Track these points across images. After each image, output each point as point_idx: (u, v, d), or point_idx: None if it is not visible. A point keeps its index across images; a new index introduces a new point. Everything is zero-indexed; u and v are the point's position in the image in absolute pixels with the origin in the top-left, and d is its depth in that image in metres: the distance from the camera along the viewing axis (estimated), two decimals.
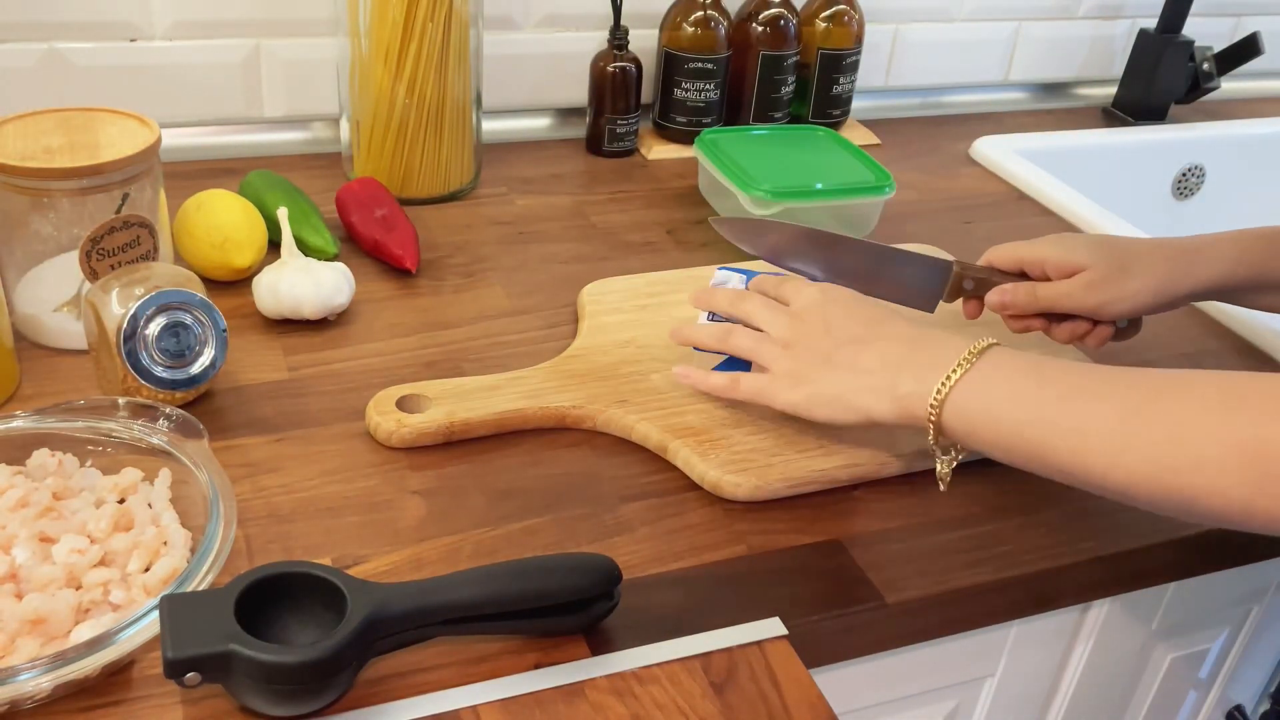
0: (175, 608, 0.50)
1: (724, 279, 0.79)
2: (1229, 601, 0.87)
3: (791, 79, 1.19)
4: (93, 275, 0.73)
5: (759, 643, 0.58)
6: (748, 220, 0.81)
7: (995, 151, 1.23)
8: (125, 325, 0.67)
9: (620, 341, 0.80)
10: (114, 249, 0.73)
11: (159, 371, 0.68)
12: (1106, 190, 1.22)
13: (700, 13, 1.12)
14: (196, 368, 0.70)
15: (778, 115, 1.20)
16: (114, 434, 0.63)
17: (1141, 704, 0.88)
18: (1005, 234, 0.84)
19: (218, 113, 1.06)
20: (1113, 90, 1.43)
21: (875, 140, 1.26)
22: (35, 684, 0.49)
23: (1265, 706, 0.97)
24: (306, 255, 0.84)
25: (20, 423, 0.62)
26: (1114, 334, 0.77)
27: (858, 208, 1.00)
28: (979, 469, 0.69)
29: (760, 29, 1.15)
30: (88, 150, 0.73)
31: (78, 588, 0.55)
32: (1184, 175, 1.38)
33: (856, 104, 1.29)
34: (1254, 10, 1.48)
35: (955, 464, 0.64)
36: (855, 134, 1.26)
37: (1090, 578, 0.69)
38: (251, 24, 1.04)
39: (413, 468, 0.69)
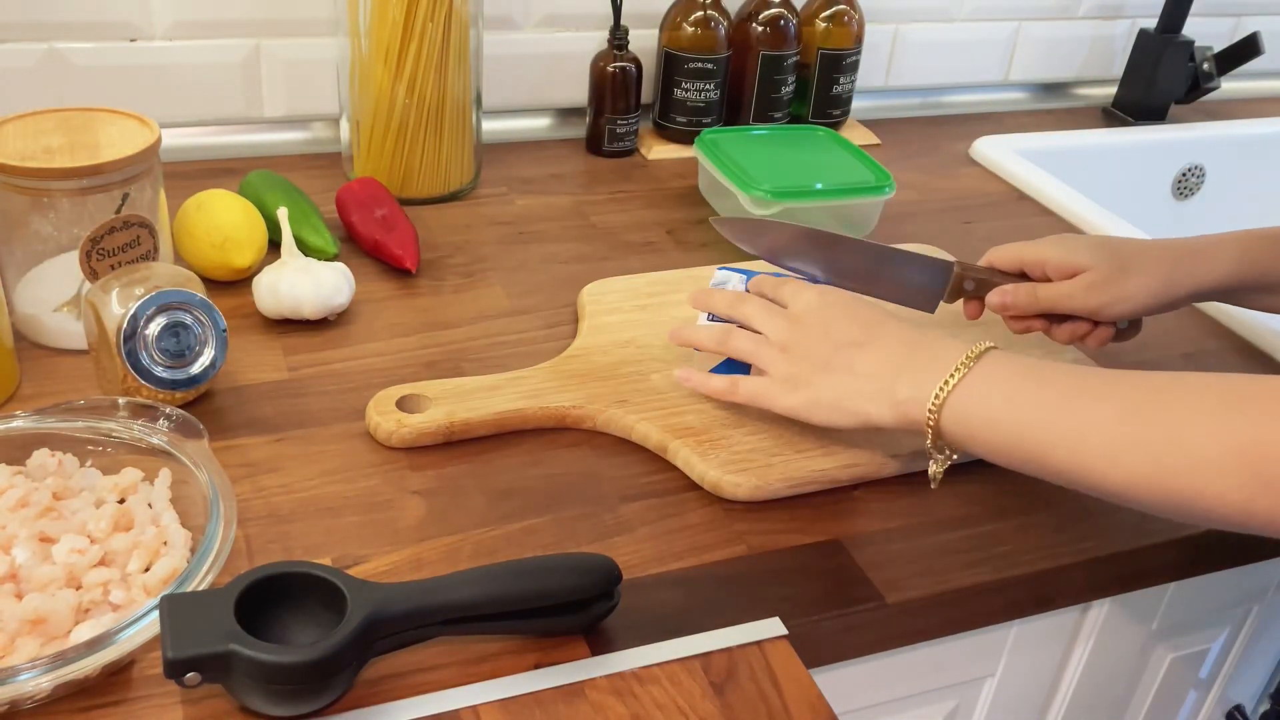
0: (175, 608, 0.50)
1: (724, 279, 0.79)
2: (1229, 601, 0.87)
3: (791, 79, 1.19)
4: (93, 275, 0.73)
5: (759, 643, 0.58)
6: (748, 220, 0.81)
7: (995, 151, 1.23)
8: (125, 325, 0.67)
9: (620, 341, 0.80)
10: (114, 249, 0.73)
11: (159, 371, 0.68)
12: (1106, 190, 1.22)
13: (700, 13, 1.12)
14: (196, 368, 0.70)
15: (778, 115, 1.20)
16: (114, 434, 0.63)
17: (1141, 704, 0.88)
18: (1005, 234, 0.84)
19: (218, 113, 1.07)
20: (1113, 90, 1.43)
21: (875, 140, 1.26)
22: (35, 684, 0.49)
23: (1265, 706, 0.97)
24: (306, 255, 0.84)
25: (20, 423, 0.62)
26: (1115, 335, 0.77)
27: (858, 208, 1.00)
28: (979, 469, 0.69)
29: (760, 29, 1.15)
30: (88, 150, 0.73)
31: (78, 588, 0.55)
32: (1184, 175, 1.38)
33: (856, 104, 1.29)
34: (1254, 10, 1.48)
35: (949, 464, 0.64)
36: (855, 134, 1.26)
37: (1090, 578, 0.69)
38: (251, 24, 1.04)
39: (413, 468, 0.69)
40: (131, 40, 1.01)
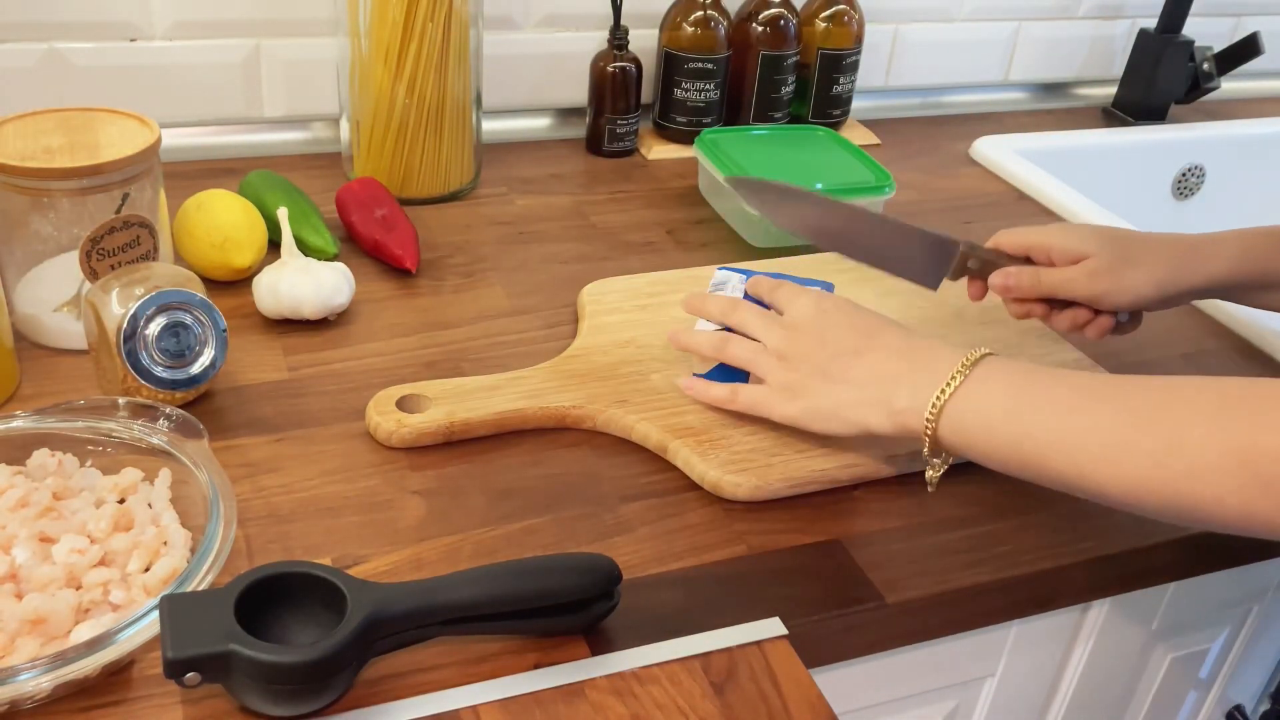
0: (175, 608, 0.50)
1: (723, 279, 0.79)
2: (1229, 601, 0.87)
3: (791, 79, 1.19)
4: (93, 275, 0.73)
5: (759, 643, 0.58)
6: (762, 182, 0.81)
7: (995, 151, 1.23)
8: (125, 325, 0.67)
9: (620, 341, 0.80)
10: (114, 249, 0.73)
11: (159, 371, 0.68)
12: (1106, 190, 1.22)
13: (700, 13, 1.12)
14: (196, 368, 0.70)
15: (778, 115, 1.20)
16: (114, 434, 0.63)
17: (1141, 704, 0.88)
18: None
19: (218, 113, 1.07)
20: (1113, 90, 1.43)
21: (875, 140, 1.26)
22: (35, 684, 0.49)
23: (1265, 706, 0.97)
24: (306, 255, 0.84)
25: (20, 423, 0.62)
26: (1114, 327, 0.77)
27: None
28: (978, 469, 0.69)
29: (760, 29, 1.15)
30: (88, 150, 0.73)
31: (78, 588, 0.55)
32: (1184, 175, 1.38)
33: (856, 104, 1.29)
34: (1254, 10, 1.48)
35: (945, 469, 0.64)
36: (855, 134, 1.26)
37: (1090, 578, 0.69)
38: (251, 24, 1.04)
39: (413, 468, 0.69)
40: (131, 40, 1.01)
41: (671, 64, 1.14)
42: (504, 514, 0.66)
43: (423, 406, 0.71)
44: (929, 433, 0.62)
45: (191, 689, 0.50)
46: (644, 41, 1.15)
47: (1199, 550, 0.72)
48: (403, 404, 0.71)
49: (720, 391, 0.71)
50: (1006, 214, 1.12)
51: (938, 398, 0.61)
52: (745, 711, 0.54)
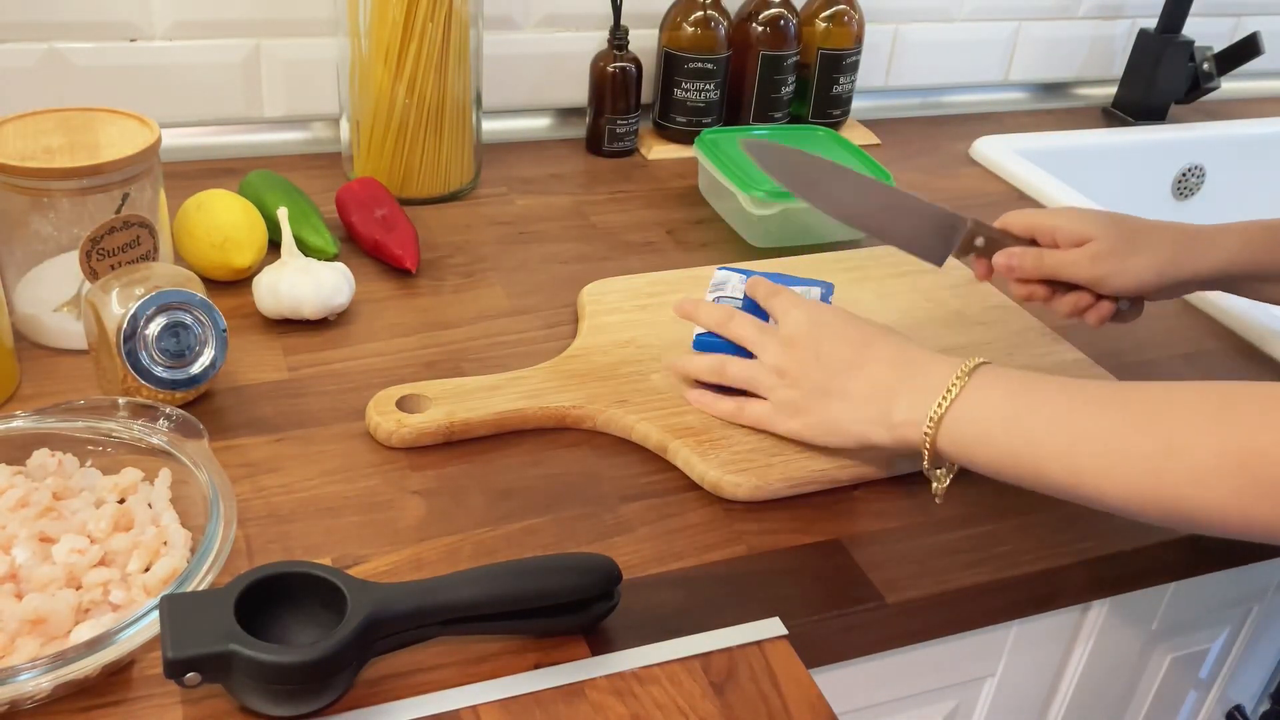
0: (175, 608, 0.50)
1: (723, 279, 0.79)
2: (1229, 601, 0.87)
3: (791, 79, 1.19)
4: (93, 275, 0.73)
5: (759, 643, 0.58)
6: (776, 146, 0.81)
7: (995, 151, 1.23)
8: (125, 325, 0.67)
9: (620, 341, 0.80)
10: (114, 249, 0.73)
11: (159, 371, 0.68)
12: (1106, 190, 1.22)
13: (700, 13, 1.12)
14: (196, 368, 0.70)
15: (778, 115, 1.20)
16: (114, 434, 0.63)
17: (1141, 704, 0.88)
18: None
19: (218, 113, 1.07)
20: (1113, 90, 1.43)
21: (875, 140, 1.26)
22: (35, 684, 0.49)
23: (1265, 706, 0.97)
24: (306, 255, 0.84)
25: (20, 423, 0.62)
26: (1115, 315, 0.77)
27: None
28: None
29: (760, 29, 1.15)
30: (88, 150, 0.73)
31: (78, 588, 0.55)
32: (1184, 175, 1.38)
33: (856, 104, 1.29)
34: (1254, 10, 1.48)
35: (950, 478, 0.64)
36: (855, 134, 1.26)
37: (1090, 578, 0.69)
38: (251, 24, 1.04)
39: (413, 468, 0.69)
40: (131, 40, 1.01)
41: (671, 64, 1.14)
42: (504, 514, 0.66)
43: (423, 406, 0.71)
44: (928, 445, 0.62)
45: (191, 689, 0.50)
46: (644, 41, 1.15)
47: (1199, 550, 0.72)
48: (403, 404, 0.71)
49: (727, 405, 0.72)
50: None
51: (935, 410, 0.61)
52: (745, 711, 0.54)
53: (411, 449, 0.70)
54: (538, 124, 1.20)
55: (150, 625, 0.52)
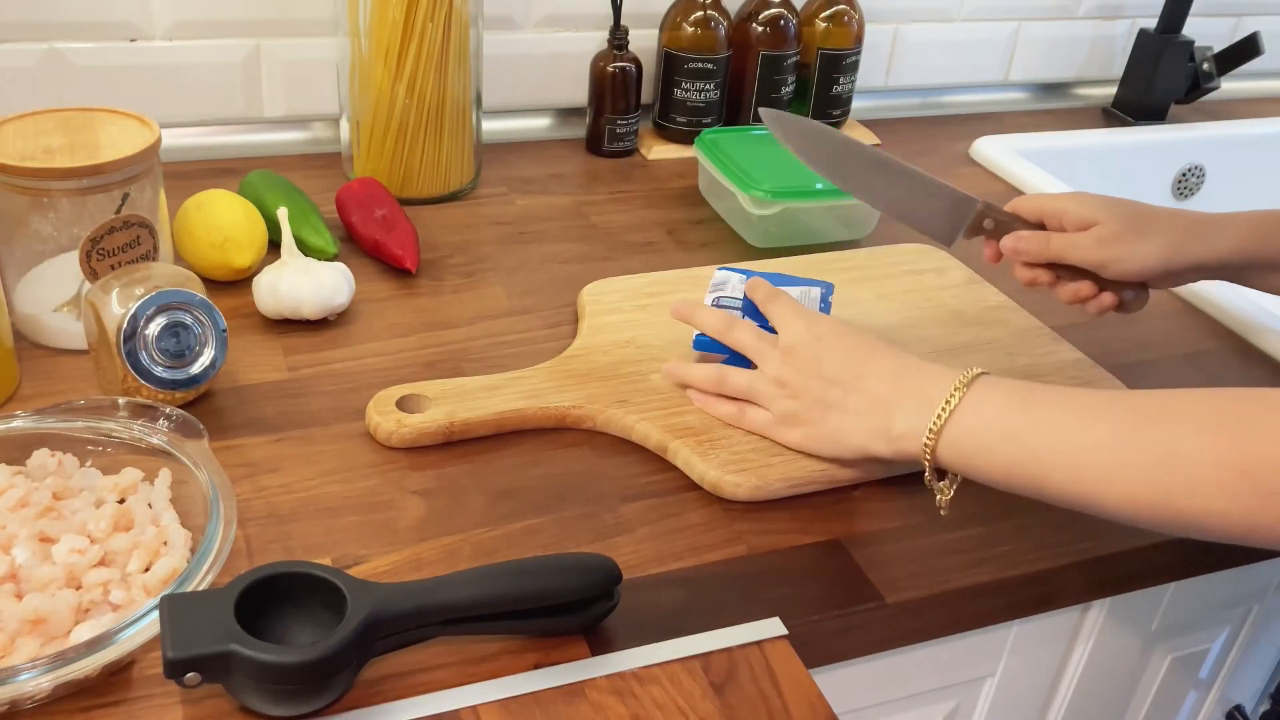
0: (175, 608, 0.50)
1: (724, 279, 0.79)
2: (1229, 601, 0.87)
3: (791, 79, 1.19)
4: (93, 275, 0.73)
5: (759, 643, 0.58)
6: (795, 119, 0.81)
7: (995, 151, 1.23)
8: (125, 325, 0.67)
9: (620, 341, 0.80)
10: (114, 249, 0.73)
11: (159, 371, 0.68)
12: (1106, 190, 1.21)
13: (700, 13, 1.12)
14: (196, 368, 0.70)
15: None
16: (114, 434, 0.63)
17: (1141, 704, 0.88)
18: None
19: (218, 113, 1.06)
20: (1113, 90, 1.43)
21: (875, 140, 1.26)
22: (35, 684, 0.49)
23: (1265, 706, 0.97)
24: (306, 255, 0.84)
25: (20, 423, 0.62)
26: (1119, 305, 0.77)
27: (858, 208, 1.00)
28: None
29: (760, 29, 1.15)
30: (88, 150, 0.73)
31: (78, 588, 0.55)
32: (1184, 175, 1.38)
33: (856, 104, 1.29)
34: (1254, 10, 1.48)
35: (954, 489, 0.64)
36: (855, 134, 1.26)
37: (1090, 578, 0.69)
38: (251, 24, 1.04)
39: (413, 468, 0.69)
40: (131, 40, 1.01)
41: (671, 64, 1.14)
42: (504, 514, 0.66)
43: (423, 406, 0.71)
44: (928, 457, 0.62)
45: (191, 689, 0.50)
46: (644, 41, 1.15)
47: (1199, 550, 0.72)
48: (403, 404, 0.71)
49: (727, 409, 0.72)
50: None
51: (934, 423, 0.62)
52: (745, 711, 0.54)
53: (411, 449, 0.70)
54: (538, 124, 1.20)
55: (150, 625, 0.52)
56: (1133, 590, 0.74)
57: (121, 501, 0.60)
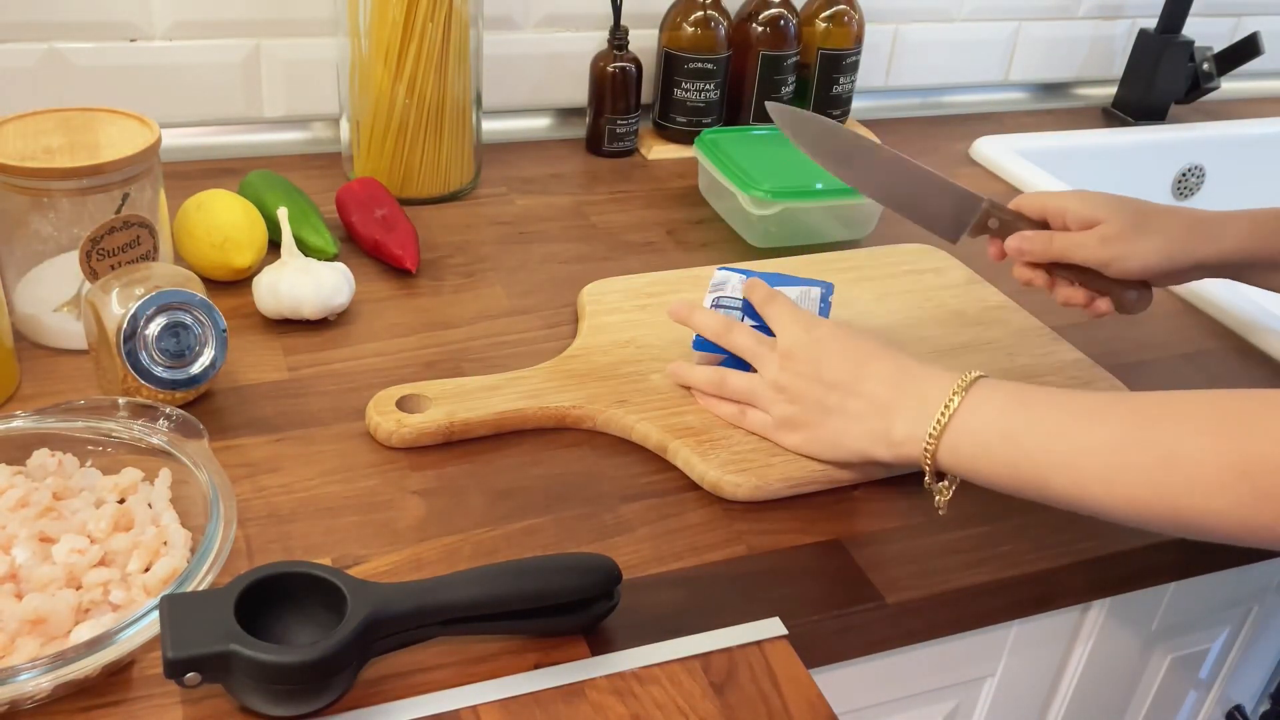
0: (175, 608, 0.50)
1: (723, 279, 0.79)
2: (1229, 601, 0.87)
3: (791, 79, 1.19)
4: (93, 275, 0.73)
5: (759, 643, 0.58)
6: (802, 113, 0.81)
7: (995, 151, 1.23)
8: (125, 325, 0.67)
9: (620, 341, 0.80)
10: (114, 249, 0.73)
11: (159, 371, 0.68)
12: (1106, 190, 1.22)
13: (700, 13, 1.12)
14: (196, 368, 0.70)
15: None
16: (114, 434, 0.63)
17: (1141, 704, 0.88)
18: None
19: (218, 113, 1.07)
20: (1113, 90, 1.43)
21: (875, 140, 1.26)
22: (35, 684, 0.49)
23: (1265, 706, 0.97)
24: (306, 255, 0.84)
25: (20, 423, 0.62)
26: (1123, 305, 0.77)
27: (858, 208, 1.00)
28: None
29: (760, 29, 1.15)
30: (88, 150, 0.73)
31: (78, 588, 0.55)
32: (1184, 175, 1.38)
33: (856, 104, 1.29)
34: (1254, 10, 1.48)
35: (953, 490, 0.64)
36: None
37: (1090, 578, 0.69)
38: (251, 24, 1.04)
39: (413, 468, 0.69)
40: (131, 40, 1.01)
41: (671, 64, 1.14)
42: (504, 514, 0.66)
43: (423, 406, 0.71)
44: (929, 461, 0.62)
45: (191, 689, 0.50)
46: (644, 41, 1.15)
47: (1199, 550, 0.72)
48: (403, 404, 0.71)
49: (729, 409, 0.72)
50: None
51: (934, 427, 0.62)
52: (745, 711, 0.54)
53: (411, 449, 0.70)
54: (538, 124, 1.20)
55: (150, 625, 0.52)
56: (1133, 590, 0.74)
57: (121, 501, 0.60)
